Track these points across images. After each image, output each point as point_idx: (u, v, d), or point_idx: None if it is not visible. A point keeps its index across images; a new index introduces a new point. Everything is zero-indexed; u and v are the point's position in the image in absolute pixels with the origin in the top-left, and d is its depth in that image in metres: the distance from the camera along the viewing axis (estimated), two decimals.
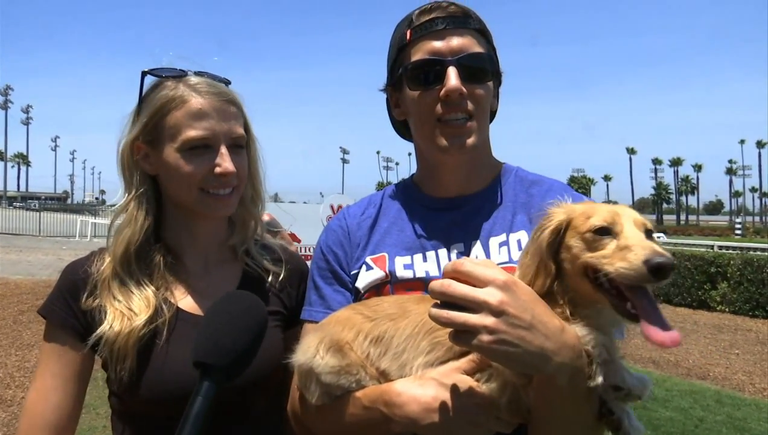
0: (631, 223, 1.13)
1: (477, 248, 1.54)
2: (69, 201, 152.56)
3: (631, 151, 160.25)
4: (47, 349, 1.61)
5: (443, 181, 1.65)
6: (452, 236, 1.58)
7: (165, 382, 1.52)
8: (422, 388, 1.25)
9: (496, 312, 1.05)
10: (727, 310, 14.82)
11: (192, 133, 1.56)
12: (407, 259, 1.57)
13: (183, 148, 1.57)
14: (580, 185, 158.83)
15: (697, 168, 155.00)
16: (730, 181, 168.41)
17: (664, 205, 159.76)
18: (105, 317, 1.54)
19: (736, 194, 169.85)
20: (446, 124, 1.54)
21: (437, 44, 1.52)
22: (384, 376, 1.33)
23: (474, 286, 1.08)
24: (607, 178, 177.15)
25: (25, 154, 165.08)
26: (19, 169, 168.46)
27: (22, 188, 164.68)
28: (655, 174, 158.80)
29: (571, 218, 1.20)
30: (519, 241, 1.53)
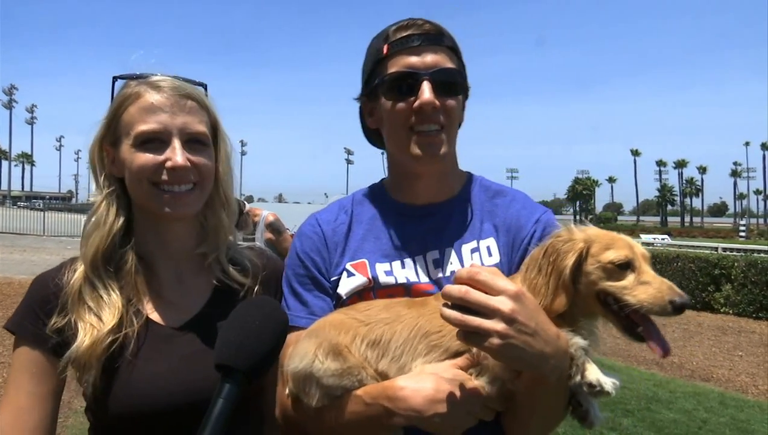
0: (642, 258, 1.32)
1: (451, 255, 1.64)
2: (73, 201, 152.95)
3: (636, 153, 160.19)
4: (19, 366, 1.52)
5: (415, 188, 1.71)
6: (427, 244, 1.66)
7: (132, 397, 1.45)
8: (423, 381, 1.36)
9: (508, 319, 1.19)
10: (730, 311, 14.80)
11: (143, 126, 1.52)
12: (387, 266, 1.64)
13: (136, 142, 1.53)
14: (585, 187, 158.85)
15: (702, 170, 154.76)
16: (735, 183, 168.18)
17: (669, 207, 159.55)
18: (77, 332, 1.48)
19: (740, 196, 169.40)
20: (419, 134, 1.61)
21: (413, 59, 1.60)
22: (383, 378, 1.42)
23: (486, 293, 1.21)
24: (611, 180, 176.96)
25: (29, 153, 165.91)
26: (23, 169, 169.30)
27: (27, 188, 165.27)
28: (660, 176, 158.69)
29: (589, 246, 1.35)
30: (488, 248, 1.64)
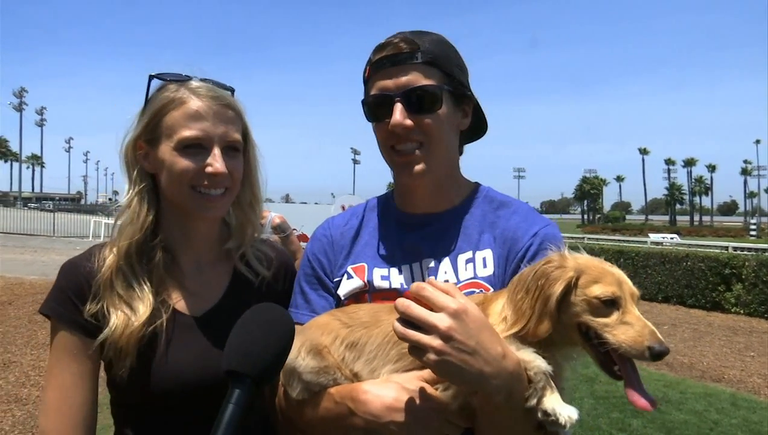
0: (629, 297, 1.29)
1: (446, 264, 1.66)
2: (82, 202, 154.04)
3: (644, 152, 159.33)
4: (60, 348, 1.64)
5: (412, 199, 1.77)
6: (423, 252, 1.69)
7: (163, 380, 1.59)
8: (386, 389, 1.40)
9: (444, 336, 1.21)
10: (741, 311, 14.68)
11: (187, 132, 1.62)
12: (384, 271, 1.70)
13: (178, 146, 1.63)
14: (593, 186, 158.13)
15: (711, 168, 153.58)
16: (745, 182, 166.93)
17: (678, 206, 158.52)
18: (109, 317, 1.59)
19: (750, 195, 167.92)
20: (398, 154, 1.66)
21: (386, 82, 1.63)
22: (357, 378, 1.48)
23: (430, 308, 1.24)
24: (619, 179, 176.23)
25: (39, 155, 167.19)
26: (33, 170, 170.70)
27: (37, 189, 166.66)
28: (668, 174, 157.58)
29: (578, 276, 1.32)
30: (484, 259, 1.65)
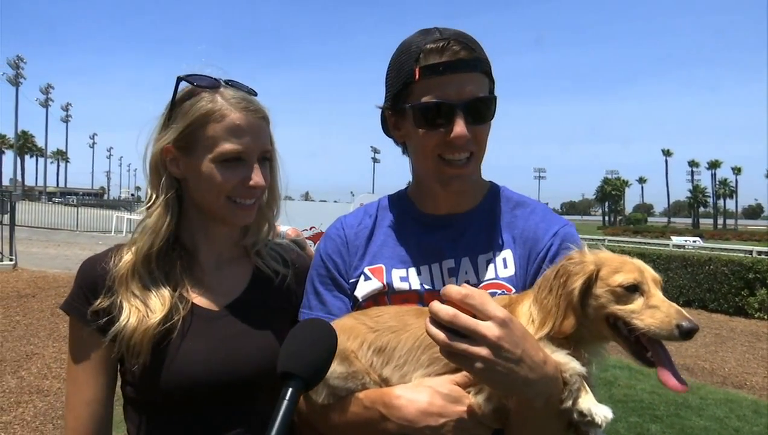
0: (652, 283, 1.31)
1: (466, 264, 1.65)
2: (105, 197, 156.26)
3: (667, 153, 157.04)
4: (75, 344, 1.69)
5: (436, 200, 1.73)
6: (444, 253, 1.67)
7: (178, 375, 1.60)
8: (419, 393, 1.39)
9: (493, 346, 1.20)
10: (765, 317, 14.40)
11: (229, 146, 1.64)
12: (403, 272, 1.68)
13: (217, 159, 1.65)
14: (614, 187, 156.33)
15: (737, 171, 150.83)
16: None
17: (701, 209, 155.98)
18: (122, 313, 1.61)
19: None
20: (449, 164, 1.60)
21: (446, 89, 1.55)
22: (386, 384, 1.48)
23: (474, 316, 1.22)
24: (641, 181, 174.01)
25: (64, 150, 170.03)
26: (58, 166, 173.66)
27: (61, 184, 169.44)
28: (692, 176, 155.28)
29: (599, 269, 1.35)
30: (504, 260, 1.63)
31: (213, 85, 1.70)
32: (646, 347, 1.30)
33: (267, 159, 1.75)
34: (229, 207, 1.69)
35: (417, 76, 1.57)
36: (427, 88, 1.56)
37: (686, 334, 1.23)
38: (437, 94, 1.55)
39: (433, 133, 1.58)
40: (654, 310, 1.27)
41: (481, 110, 1.59)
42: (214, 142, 1.65)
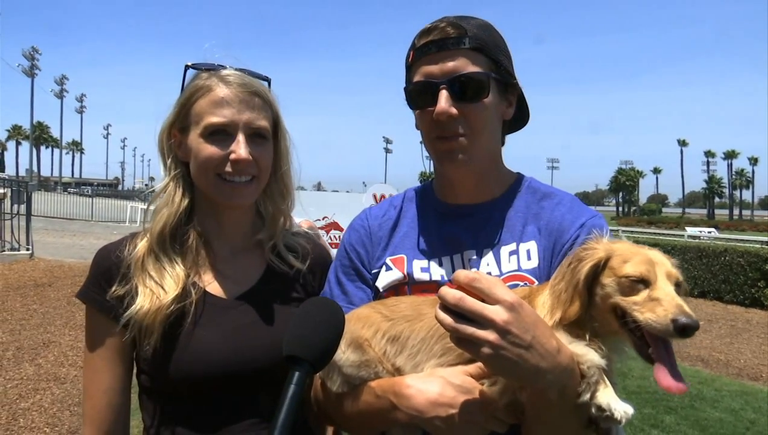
0: (664, 276, 1.24)
1: (488, 256, 1.61)
2: (120, 187, 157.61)
3: (683, 143, 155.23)
4: (91, 332, 1.69)
5: (454, 189, 1.72)
6: (465, 243, 1.65)
7: (190, 362, 1.59)
8: (430, 383, 1.37)
9: (501, 330, 1.15)
10: None
11: (212, 119, 1.63)
12: (424, 263, 1.66)
13: (204, 133, 1.64)
14: (628, 177, 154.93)
15: (753, 161, 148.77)
16: None
17: (716, 199, 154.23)
18: (137, 296, 1.61)
19: None
20: (441, 140, 1.60)
21: (431, 67, 1.56)
22: (399, 373, 1.46)
23: (483, 301, 1.18)
24: (656, 171, 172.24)
25: (78, 141, 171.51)
26: (73, 156, 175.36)
27: (76, 174, 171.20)
28: (707, 167, 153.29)
29: (609, 257, 1.29)
30: (528, 251, 1.60)
31: (215, 67, 1.71)
32: (650, 343, 1.23)
33: (262, 136, 1.70)
34: (219, 184, 1.66)
35: (411, 59, 1.62)
36: (417, 70, 1.60)
37: (681, 329, 1.13)
38: (423, 74, 1.57)
39: (424, 114, 1.60)
40: (655, 304, 1.19)
41: (469, 87, 1.55)
42: (200, 117, 1.64)
